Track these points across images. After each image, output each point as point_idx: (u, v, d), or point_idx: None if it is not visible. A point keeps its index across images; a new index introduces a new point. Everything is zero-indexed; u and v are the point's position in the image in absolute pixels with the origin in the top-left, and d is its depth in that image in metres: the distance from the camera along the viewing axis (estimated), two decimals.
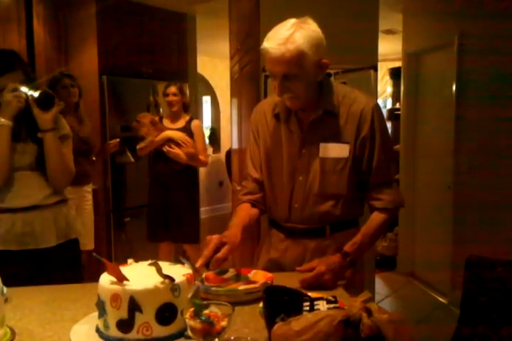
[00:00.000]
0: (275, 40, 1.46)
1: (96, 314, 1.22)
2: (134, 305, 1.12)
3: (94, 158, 3.70)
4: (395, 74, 6.03)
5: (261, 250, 1.84)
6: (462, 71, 3.81)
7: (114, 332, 1.14)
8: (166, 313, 1.14)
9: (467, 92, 3.79)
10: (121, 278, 1.15)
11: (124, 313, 1.12)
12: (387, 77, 6.95)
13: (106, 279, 1.17)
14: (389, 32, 5.42)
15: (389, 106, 7.05)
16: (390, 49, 5.75)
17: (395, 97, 6.20)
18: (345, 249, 1.57)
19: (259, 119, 1.74)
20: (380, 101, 7.27)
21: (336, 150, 1.60)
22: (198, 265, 1.44)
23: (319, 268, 1.49)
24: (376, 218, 1.65)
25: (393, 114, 5.89)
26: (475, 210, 3.68)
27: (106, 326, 1.16)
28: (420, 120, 4.66)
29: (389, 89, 7.16)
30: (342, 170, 1.61)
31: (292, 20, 1.50)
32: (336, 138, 1.60)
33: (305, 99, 1.57)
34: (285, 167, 1.67)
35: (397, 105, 5.79)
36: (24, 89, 1.84)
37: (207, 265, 1.48)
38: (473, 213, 3.69)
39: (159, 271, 1.17)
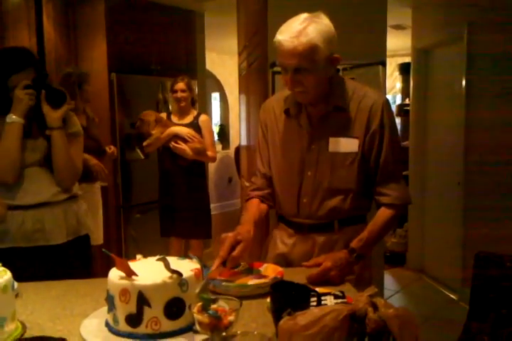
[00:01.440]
0: (288, 33, 1.46)
1: (105, 309, 1.23)
2: (142, 299, 1.13)
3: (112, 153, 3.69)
4: (404, 69, 5.99)
5: (269, 245, 1.85)
6: (472, 66, 3.78)
7: (123, 326, 1.15)
8: (174, 308, 1.15)
9: (477, 87, 3.76)
10: (129, 273, 1.16)
11: (132, 308, 1.13)
12: (397, 73, 6.91)
13: (115, 274, 1.18)
14: (398, 27, 5.39)
15: (398, 101, 7.02)
16: (399, 44, 5.72)
17: (405, 93, 6.16)
18: (352, 245, 1.58)
19: (267, 115, 1.75)
20: (389, 97, 7.23)
21: (346, 145, 1.61)
22: (214, 266, 1.44)
23: (325, 264, 1.50)
24: (383, 214, 1.65)
25: (403, 109, 5.86)
26: (485, 207, 3.66)
27: (115, 320, 1.17)
28: (430, 116, 4.63)
29: (398, 85, 7.12)
30: (351, 164, 1.61)
31: (305, 15, 1.51)
32: (346, 133, 1.61)
33: (315, 94, 1.58)
34: (294, 162, 1.67)
35: (407, 101, 5.75)
36: (36, 86, 1.85)
37: (223, 264, 1.48)
38: (483, 209, 3.67)
39: (167, 266, 1.18)
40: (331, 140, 1.61)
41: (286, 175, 1.71)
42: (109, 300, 1.19)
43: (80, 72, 3.53)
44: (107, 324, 1.21)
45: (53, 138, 1.91)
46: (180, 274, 1.17)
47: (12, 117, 1.84)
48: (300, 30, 1.45)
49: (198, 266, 1.26)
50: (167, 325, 1.15)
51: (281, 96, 1.73)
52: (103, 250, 1.30)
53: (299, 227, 1.71)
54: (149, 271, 1.20)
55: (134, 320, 1.14)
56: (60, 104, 1.88)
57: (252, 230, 1.59)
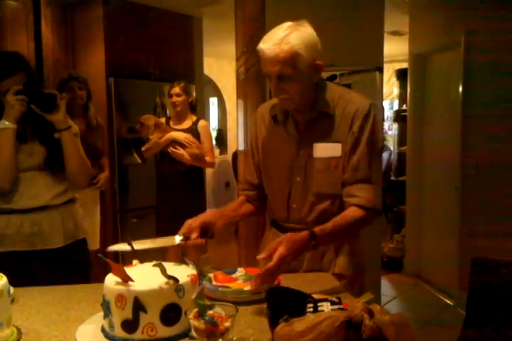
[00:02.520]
0: (271, 41, 1.49)
1: (101, 314, 1.23)
2: (138, 305, 1.13)
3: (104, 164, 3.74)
4: (401, 75, 6.01)
5: (262, 249, 1.85)
6: (469, 71, 3.80)
7: (119, 332, 1.15)
8: (171, 314, 1.15)
9: (474, 93, 3.78)
10: (126, 279, 1.16)
11: (128, 313, 1.13)
12: (394, 79, 6.93)
13: (111, 280, 1.18)
14: (395, 33, 5.42)
15: (396, 107, 7.03)
16: (396, 50, 5.75)
17: (402, 99, 6.18)
18: (315, 230, 1.48)
19: (257, 122, 1.78)
20: (386, 103, 7.26)
21: (329, 150, 1.62)
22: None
23: (280, 251, 1.38)
24: (350, 213, 1.58)
25: (400, 115, 5.88)
26: (482, 212, 3.66)
27: (111, 326, 1.17)
28: (427, 121, 4.65)
29: (395, 91, 7.14)
30: (335, 169, 1.62)
31: (288, 23, 1.53)
32: (332, 138, 1.62)
33: (300, 101, 1.59)
34: (283, 168, 1.69)
35: (404, 106, 5.78)
36: (27, 91, 1.83)
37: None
38: (481, 215, 3.67)
39: (163, 271, 1.18)
40: (315, 145, 1.63)
41: (276, 181, 1.73)
42: (105, 306, 1.18)
43: (78, 76, 3.54)
44: (102, 330, 1.21)
45: (63, 140, 1.90)
46: (176, 280, 1.16)
47: (4, 123, 1.83)
48: (282, 38, 1.47)
49: (194, 271, 1.26)
50: (163, 331, 1.14)
51: (269, 104, 1.76)
52: (99, 255, 1.30)
53: (290, 232, 1.70)
54: (145, 276, 1.20)
55: (129, 325, 1.14)
56: (53, 107, 1.86)
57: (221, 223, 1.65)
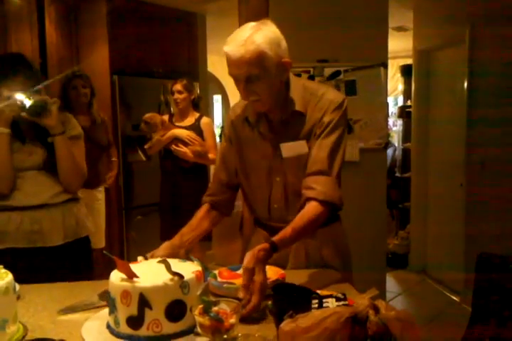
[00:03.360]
0: (235, 42, 1.46)
1: (107, 311, 1.23)
2: (143, 301, 1.13)
3: (114, 159, 3.74)
4: (406, 71, 5.99)
5: (246, 248, 1.83)
6: (474, 67, 3.78)
7: (124, 328, 1.15)
8: (176, 310, 1.15)
9: (479, 89, 3.76)
10: (131, 275, 1.16)
11: (134, 310, 1.13)
12: (398, 75, 6.91)
13: (116, 276, 1.18)
14: (400, 29, 5.39)
15: (400, 103, 7.01)
16: (401, 46, 5.73)
17: (406, 95, 6.16)
18: (275, 240, 1.42)
19: (233, 122, 1.73)
20: (391, 99, 7.25)
21: (296, 148, 1.60)
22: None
23: (258, 281, 1.30)
24: (308, 212, 1.51)
25: (404, 111, 5.86)
26: (487, 208, 3.65)
27: (116, 322, 1.17)
28: (432, 117, 4.63)
29: (400, 87, 7.12)
30: (306, 166, 1.59)
31: (251, 24, 1.50)
32: (306, 136, 1.60)
33: (271, 101, 1.56)
34: (262, 169, 1.67)
35: (409, 102, 5.75)
36: (19, 96, 1.83)
37: None
38: (486, 211, 3.66)
39: (168, 268, 1.18)
40: (281, 146, 1.61)
41: (256, 181, 1.70)
42: (111, 303, 1.19)
43: (82, 74, 3.55)
44: (108, 326, 1.21)
45: (56, 145, 1.91)
46: (181, 276, 1.17)
47: None
48: (246, 39, 1.44)
49: (199, 268, 1.26)
50: (168, 327, 1.15)
51: (243, 104, 1.70)
52: (104, 252, 1.30)
53: (273, 230, 1.65)
54: (150, 273, 1.20)
55: (135, 322, 1.14)
56: (42, 114, 1.85)
57: (172, 247, 1.62)
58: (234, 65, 1.47)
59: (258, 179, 1.69)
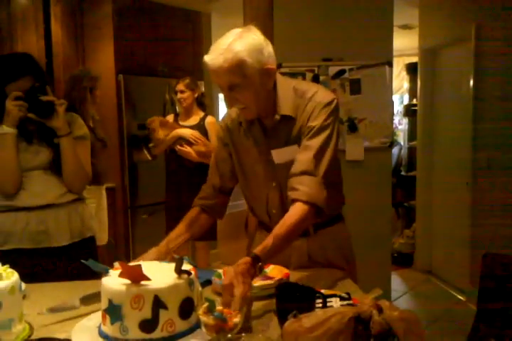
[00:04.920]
0: (215, 51, 1.44)
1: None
2: (158, 303, 1.12)
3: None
4: (411, 69, 5.96)
5: (250, 249, 1.83)
6: (480, 65, 3.75)
7: (135, 334, 1.13)
8: (187, 307, 1.17)
9: (485, 87, 3.74)
10: (141, 278, 1.14)
11: (147, 313, 1.12)
12: (404, 73, 6.88)
13: (116, 283, 1.15)
14: (405, 27, 5.38)
15: (406, 101, 6.99)
16: (406, 44, 5.70)
17: (412, 93, 6.13)
18: (256, 252, 1.37)
19: (228, 126, 1.71)
20: (396, 97, 7.22)
21: (287, 154, 1.58)
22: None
23: (237, 293, 1.22)
24: (290, 216, 1.46)
25: (410, 109, 5.84)
26: (493, 207, 3.64)
27: (123, 330, 1.14)
28: (437, 116, 4.61)
29: (405, 85, 7.09)
30: None
31: (236, 30, 1.49)
32: (297, 140, 1.57)
33: (258, 108, 1.54)
34: (258, 174, 1.65)
35: (414, 101, 5.73)
36: (28, 97, 1.84)
37: None
38: (492, 210, 3.65)
39: (179, 266, 1.19)
40: (273, 152, 1.59)
41: (253, 187, 1.70)
42: (113, 311, 1.14)
43: (91, 75, 3.53)
44: (105, 337, 1.17)
45: (61, 146, 1.92)
46: (189, 273, 1.18)
47: (4, 128, 1.85)
48: (226, 48, 1.43)
49: (191, 266, 1.26)
50: (181, 325, 1.16)
51: (236, 109, 1.66)
52: (110, 239, 1.28)
53: None
54: (151, 274, 1.18)
55: (148, 325, 1.13)
56: (50, 115, 1.86)
57: (160, 253, 1.58)
58: (214, 74, 1.46)
59: (255, 184, 1.68)
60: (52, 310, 1.27)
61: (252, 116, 1.58)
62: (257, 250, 1.37)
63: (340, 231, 1.75)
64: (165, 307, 1.13)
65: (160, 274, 1.19)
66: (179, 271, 1.19)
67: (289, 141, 1.58)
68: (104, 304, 1.17)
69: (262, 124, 1.62)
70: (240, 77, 1.44)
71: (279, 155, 1.59)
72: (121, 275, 1.17)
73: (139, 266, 1.18)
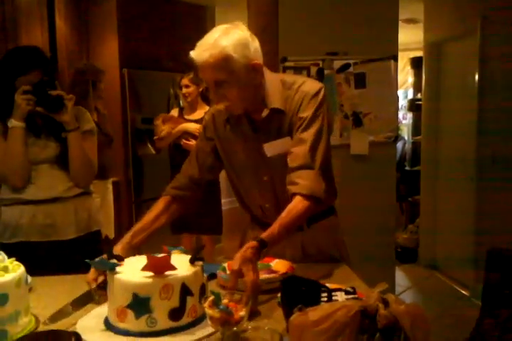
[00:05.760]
0: (201, 47, 1.44)
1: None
2: (186, 290, 1.17)
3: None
4: (416, 64, 5.95)
5: (243, 243, 1.83)
6: (485, 60, 3.74)
7: (164, 324, 1.15)
8: (204, 292, 1.22)
9: (490, 81, 3.72)
10: (170, 268, 1.17)
11: (175, 302, 1.16)
12: (408, 67, 6.85)
13: (139, 276, 1.15)
14: (410, 21, 5.35)
15: (410, 96, 6.97)
16: (411, 38, 5.67)
17: (417, 87, 6.12)
18: (263, 237, 1.38)
19: (215, 121, 1.70)
20: (401, 92, 7.19)
21: (279, 146, 1.57)
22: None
23: (232, 266, 1.30)
24: (294, 207, 1.48)
25: (414, 104, 5.83)
26: (498, 202, 3.63)
27: (151, 322, 1.14)
28: (442, 110, 4.59)
29: (410, 79, 7.07)
30: None
31: (222, 26, 1.48)
32: (288, 133, 1.57)
33: (244, 105, 1.54)
34: (248, 168, 1.65)
35: (419, 95, 5.71)
36: (36, 91, 1.84)
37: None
38: (496, 205, 3.64)
39: (194, 255, 1.25)
40: (264, 146, 1.59)
41: (245, 181, 1.69)
42: (138, 305, 1.14)
43: (95, 69, 3.53)
44: (125, 333, 1.15)
45: (69, 141, 1.92)
46: (202, 260, 1.24)
47: (12, 122, 1.86)
48: (212, 43, 1.43)
49: (188, 256, 1.29)
50: (200, 310, 1.20)
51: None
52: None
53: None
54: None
55: (176, 313, 1.16)
56: (59, 108, 1.87)
57: (125, 248, 1.55)
58: (201, 70, 1.46)
59: (247, 179, 1.68)
60: (52, 320, 1.26)
61: (239, 111, 1.57)
62: (264, 235, 1.38)
63: (333, 224, 1.76)
64: (191, 294, 1.17)
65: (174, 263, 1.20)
66: (193, 259, 1.23)
67: (280, 134, 1.58)
68: (124, 300, 1.15)
69: (251, 119, 1.61)
70: (226, 72, 1.44)
71: (270, 149, 1.59)
72: (145, 268, 1.16)
73: (167, 256, 1.19)
